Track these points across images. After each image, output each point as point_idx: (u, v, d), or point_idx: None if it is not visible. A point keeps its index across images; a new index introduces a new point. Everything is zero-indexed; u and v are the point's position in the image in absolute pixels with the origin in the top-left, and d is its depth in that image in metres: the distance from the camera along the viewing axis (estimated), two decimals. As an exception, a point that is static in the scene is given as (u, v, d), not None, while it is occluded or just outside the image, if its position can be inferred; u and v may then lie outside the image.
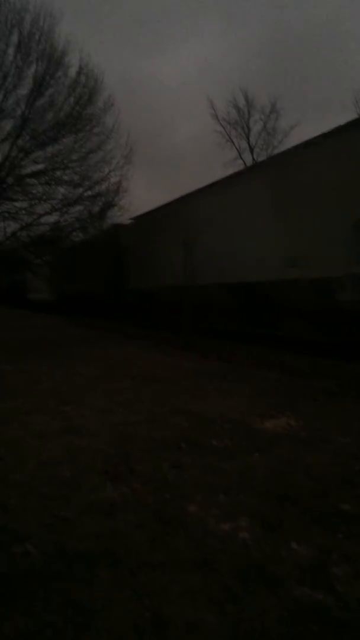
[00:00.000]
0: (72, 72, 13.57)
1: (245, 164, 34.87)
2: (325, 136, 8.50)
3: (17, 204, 14.36)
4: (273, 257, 8.70)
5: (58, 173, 14.12)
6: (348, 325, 7.98)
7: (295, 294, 8.56)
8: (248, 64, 46.58)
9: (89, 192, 14.69)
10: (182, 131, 53.19)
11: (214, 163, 50.58)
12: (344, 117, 8.35)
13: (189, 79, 55.10)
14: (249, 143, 36.57)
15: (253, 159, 35.83)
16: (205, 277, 10.64)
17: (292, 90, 48.42)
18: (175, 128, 53.45)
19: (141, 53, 57.82)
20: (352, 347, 7.90)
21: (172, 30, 56.37)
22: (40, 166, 13.86)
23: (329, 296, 8.14)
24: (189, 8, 56.64)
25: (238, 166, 33.47)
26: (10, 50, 12.71)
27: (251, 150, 36.46)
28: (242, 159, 36.31)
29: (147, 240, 13.89)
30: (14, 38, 12.67)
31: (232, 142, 36.64)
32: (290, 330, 9.17)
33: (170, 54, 52.42)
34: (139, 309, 15.88)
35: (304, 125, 33.48)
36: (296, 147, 9.39)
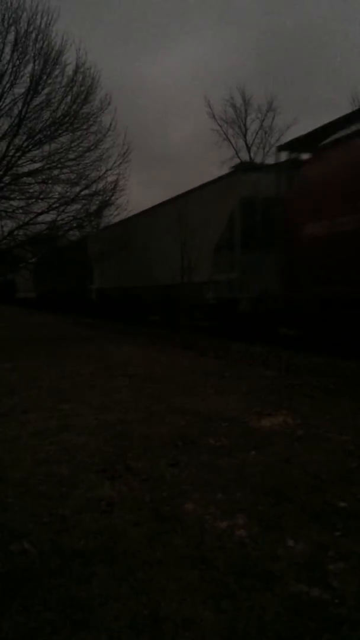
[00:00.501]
0: (69, 70, 13.56)
1: (242, 162, 34.93)
2: (198, 188, 12.73)
3: (14, 203, 14.38)
4: (176, 267, 11.90)
5: (55, 172, 14.11)
6: (211, 314, 12.43)
7: (188, 293, 12.05)
8: (244, 63, 46.81)
9: (86, 191, 14.70)
10: (178, 131, 53.38)
11: (212, 161, 50.77)
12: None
13: (185, 78, 55.24)
14: (245, 142, 36.61)
15: (250, 157, 35.90)
16: (141, 280, 14.81)
17: (289, 88, 48.63)
18: (172, 128, 53.63)
19: (137, 53, 57.94)
20: (215, 328, 12.23)
21: (168, 31, 56.53)
22: (37, 165, 13.85)
23: (202, 295, 12.00)
24: (184, 9, 56.82)
25: (235, 164, 33.49)
26: (7, 49, 12.70)
27: (248, 148, 36.52)
28: (239, 157, 36.35)
29: (105, 250, 16.59)
30: (11, 37, 12.65)
31: (229, 140, 36.70)
32: (190, 319, 12.80)
33: (166, 55, 52.57)
34: (98, 304, 20.18)
35: (301, 124, 33.59)
36: (187, 192, 13.33)
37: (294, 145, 9.46)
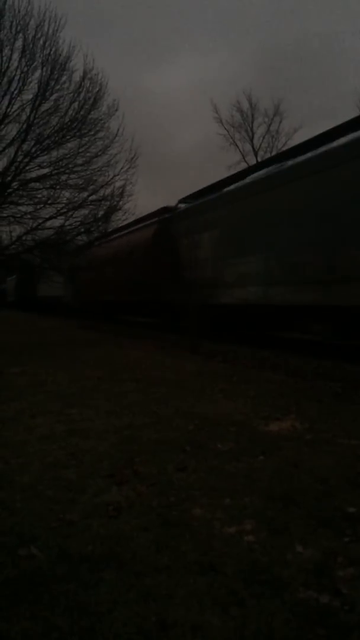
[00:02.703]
0: (77, 76, 13.55)
1: (249, 166, 35.09)
2: None
3: (22, 208, 14.37)
4: (59, 289, 25.10)
5: (63, 177, 14.10)
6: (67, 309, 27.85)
7: (60, 300, 28.49)
8: (246, 74, 47.45)
9: (94, 196, 14.69)
10: (183, 139, 54.09)
11: (217, 167, 51.35)
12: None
13: (189, 89, 55.87)
14: (252, 146, 36.67)
15: (257, 161, 35.92)
16: (49, 292, 27.83)
17: (291, 97, 49.02)
18: (177, 135, 54.28)
19: (142, 66, 58.70)
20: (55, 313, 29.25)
21: (171, 44, 57.41)
22: (45, 170, 13.85)
23: (63, 300, 28.25)
24: (186, 23, 57.61)
25: (242, 168, 33.85)
26: (15, 56, 12.68)
27: (255, 153, 36.56)
28: (246, 161, 36.41)
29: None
30: (19, 43, 12.66)
31: (236, 145, 36.77)
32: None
33: (170, 66, 53.32)
34: (41, 305, 32.76)
35: (308, 128, 33.69)
36: None
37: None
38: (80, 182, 14.39)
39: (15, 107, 13.06)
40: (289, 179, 9.71)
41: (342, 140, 8.75)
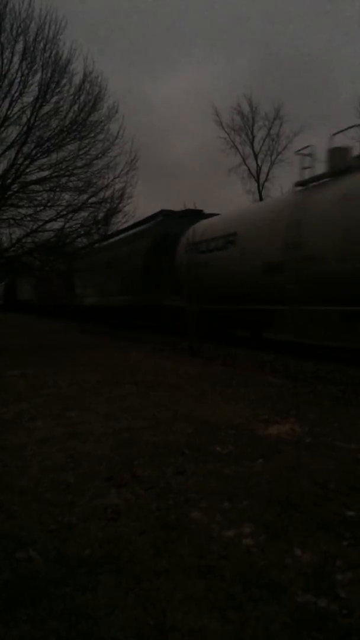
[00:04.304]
0: (77, 79, 13.58)
1: (249, 170, 35.30)
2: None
3: (22, 211, 14.37)
4: (31, 293, 32.07)
5: (63, 179, 14.10)
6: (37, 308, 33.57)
7: (26, 302, 36.02)
8: (247, 79, 47.86)
9: (94, 199, 14.68)
10: (183, 145, 54.63)
11: (215, 172, 51.89)
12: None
13: (187, 97, 56.41)
14: (253, 149, 36.75)
15: (257, 164, 36.09)
16: (28, 296, 33.33)
17: (294, 100, 49.38)
18: (177, 141, 54.97)
19: (141, 76, 59.22)
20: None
21: (172, 50, 58.06)
22: (45, 173, 13.85)
23: (35, 302, 32.34)
24: (187, 30, 58.30)
25: (242, 172, 34.06)
26: (16, 59, 12.72)
27: (255, 156, 36.64)
28: (246, 164, 36.51)
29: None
30: (19, 46, 12.68)
31: (237, 148, 36.85)
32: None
33: (169, 76, 53.94)
34: (21, 306, 36.89)
35: (308, 132, 33.76)
36: None
37: None
38: (80, 185, 14.42)
39: (15, 109, 13.12)
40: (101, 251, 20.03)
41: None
